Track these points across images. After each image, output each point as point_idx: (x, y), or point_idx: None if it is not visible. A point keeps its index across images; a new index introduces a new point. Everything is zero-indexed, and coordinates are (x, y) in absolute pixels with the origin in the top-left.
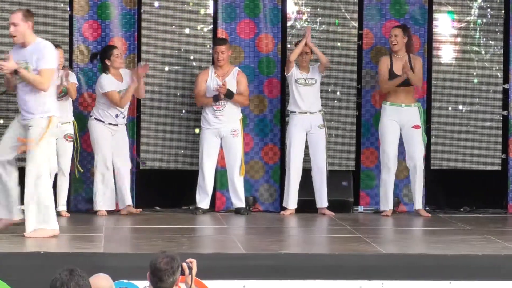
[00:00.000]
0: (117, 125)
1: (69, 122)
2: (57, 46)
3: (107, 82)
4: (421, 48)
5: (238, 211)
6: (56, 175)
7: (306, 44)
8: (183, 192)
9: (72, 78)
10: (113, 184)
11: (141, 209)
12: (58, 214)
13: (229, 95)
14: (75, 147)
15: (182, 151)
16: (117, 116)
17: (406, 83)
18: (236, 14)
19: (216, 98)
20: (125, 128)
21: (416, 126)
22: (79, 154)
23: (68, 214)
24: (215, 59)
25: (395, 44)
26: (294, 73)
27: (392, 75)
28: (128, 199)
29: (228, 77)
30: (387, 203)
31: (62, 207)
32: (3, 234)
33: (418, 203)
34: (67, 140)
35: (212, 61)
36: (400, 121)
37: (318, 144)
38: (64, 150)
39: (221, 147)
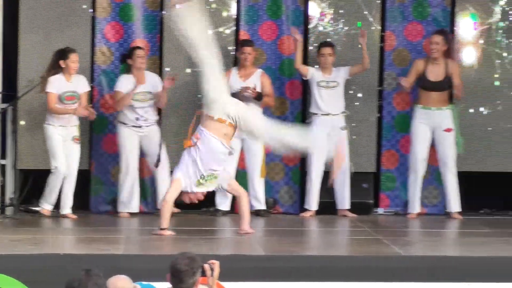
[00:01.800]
0: (140, 127)
1: (76, 125)
2: (72, 50)
3: (121, 82)
4: (454, 50)
5: (258, 213)
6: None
7: (328, 46)
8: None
9: (85, 87)
10: (137, 186)
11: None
12: (65, 216)
13: (258, 97)
14: None
15: None
16: (137, 119)
17: (439, 88)
18: (258, 16)
19: (234, 96)
20: (157, 129)
21: (448, 130)
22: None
23: (75, 216)
24: (242, 59)
25: (435, 52)
26: (315, 75)
27: (425, 80)
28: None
29: (251, 78)
30: (414, 206)
31: (69, 209)
32: (21, 235)
33: (454, 206)
34: (75, 142)
35: (234, 63)
36: (431, 124)
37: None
38: (72, 152)
39: (242, 149)
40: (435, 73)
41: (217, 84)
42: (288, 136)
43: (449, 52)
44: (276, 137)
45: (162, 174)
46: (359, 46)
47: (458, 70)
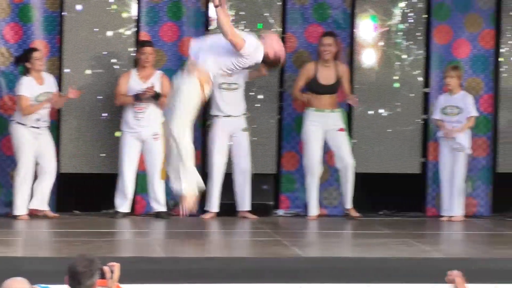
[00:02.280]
0: (39, 128)
1: None
2: None
3: (25, 85)
4: (343, 52)
5: (158, 215)
6: None
7: None
8: (103, 196)
9: None
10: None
11: (58, 214)
12: None
13: (156, 96)
14: None
15: (102, 155)
16: (38, 120)
17: (330, 91)
18: (159, 17)
19: (137, 97)
20: (48, 130)
21: (341, 129)
22: None
23: None
24: (142, 60)
25: (327, 54)
26: (217, 77)
27: (316, 83)
28: (46, 203)
29: (151, 79)
30: (313, 207)
31: None
32: None
33: (349, 203)
34: None
35: (135, 64)
36: (324, 126)
37: (242, 147)
38: None
39: (141, 150)
40: (326, 76)
41: None
42: None
43: (339, 54)
44: None
45: (48, 178)
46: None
47: (348, 73)
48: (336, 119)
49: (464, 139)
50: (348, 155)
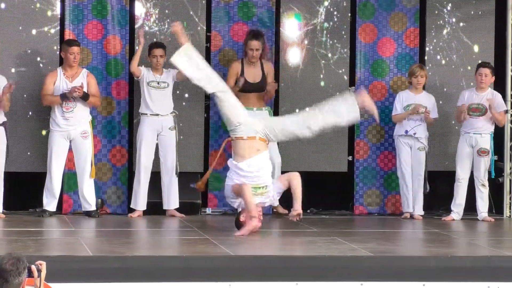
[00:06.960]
0: None
1: None
2: None
3: None
4: (268, 51)
5: (87, 213)
6: None
7: (160, 47)
8: (30, 194)
9: None
10: None
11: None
12: None
13: (85, 97)
14: None
15: (28, 153)
16: None
17: (258, 89)
18: (83, 15)
19: (64, 96)
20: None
21: None
22: None
23: None
24: (70, 60)
25: (254, 56)
26: (146, 75)
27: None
28: None
29: (78, 78)
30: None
31: None
32: None
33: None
34: None
35: (60, 63)
36: None
37: (168, 146)
38: None
39: (70, 149)
40: (252, 75)
41: (237, 109)
42: (329, 117)
43: (264, 53)
44: (315, 125)
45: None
46: None
47: (272, 70)
48: (263, 117)
49: (425, 139)
50: (274, 159)
